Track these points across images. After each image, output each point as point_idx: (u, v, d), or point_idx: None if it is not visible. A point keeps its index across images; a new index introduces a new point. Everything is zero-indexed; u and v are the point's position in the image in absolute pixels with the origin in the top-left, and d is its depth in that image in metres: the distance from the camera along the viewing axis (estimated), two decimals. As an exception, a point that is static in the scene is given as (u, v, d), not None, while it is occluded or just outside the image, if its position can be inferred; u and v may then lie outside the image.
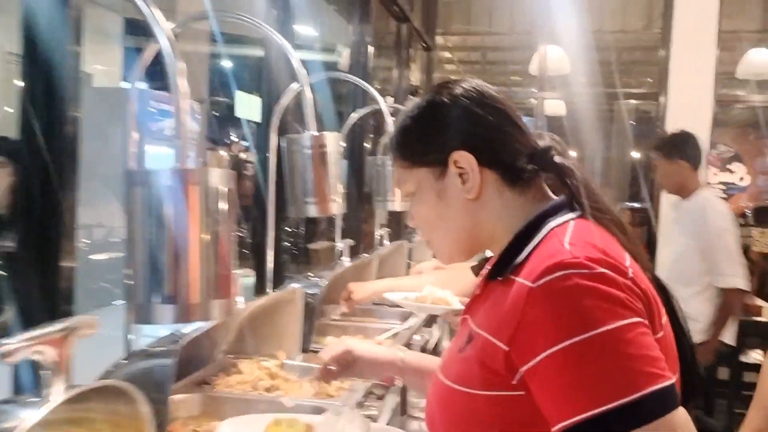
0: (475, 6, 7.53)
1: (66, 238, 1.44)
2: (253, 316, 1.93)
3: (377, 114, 3.02)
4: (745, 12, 6.99)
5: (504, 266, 0.98)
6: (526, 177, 1.03)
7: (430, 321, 2.68)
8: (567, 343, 0.82)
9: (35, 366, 0.88)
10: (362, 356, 1.30)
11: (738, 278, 3.24)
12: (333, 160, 1.49)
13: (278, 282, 2.34)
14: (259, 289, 2.22)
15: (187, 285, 0.80)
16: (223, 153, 7.63)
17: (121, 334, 1.41)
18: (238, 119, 7.32)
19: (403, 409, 2.12)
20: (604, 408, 0.79)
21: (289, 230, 5.34)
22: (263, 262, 2.24)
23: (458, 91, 1.04)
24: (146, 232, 0.79)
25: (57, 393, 0.86)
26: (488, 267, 1.09)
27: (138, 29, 6.13)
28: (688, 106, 6.13)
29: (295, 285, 2.01)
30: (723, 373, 5.42)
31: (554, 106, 6.92)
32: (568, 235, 0.93)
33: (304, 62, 1.52)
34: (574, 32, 5.96)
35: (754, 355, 5.51)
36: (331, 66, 5.46)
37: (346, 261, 2.62)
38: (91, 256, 3.87)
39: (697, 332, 3.26)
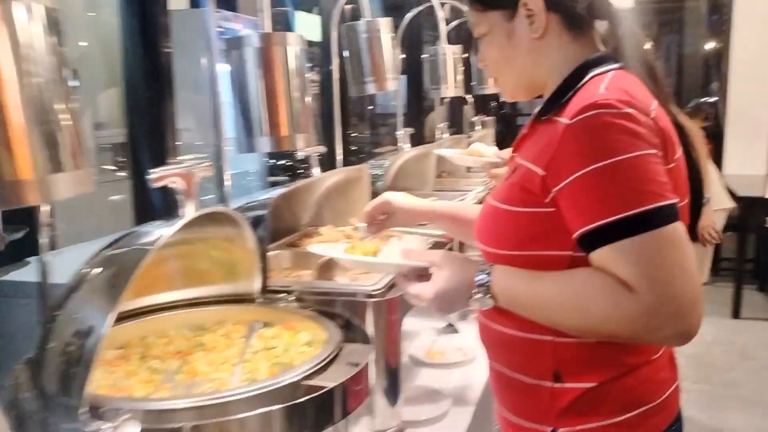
0: None
1: (170, 137, 1.77)
2: (327, 194, 2.23)
3: (433, 21, 3.18)
4: None
5: (549, 107, 1.15)
6: (583, 23, 1.18)
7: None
8: (591, 167, 1.01)
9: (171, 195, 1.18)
10: (400, 206, 1.54)
11: None
12: (387, 42, 1.72)
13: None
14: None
15: (278, 121, 1.07)
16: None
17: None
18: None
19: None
20: (615, 217, 1.00)
21: (355, 135, 5.63)
22: (333, 160, 2.53)
23: None
24: (245, 82, 1.06)
25: (189, 212, 1.16)
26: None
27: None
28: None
29: (362, 165, 2.28)
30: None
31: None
32: (605, 82, 1.09)
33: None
34: None
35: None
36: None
37: (407, 147, 2.87)
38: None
39: None
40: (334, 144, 2.50)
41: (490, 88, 3.60)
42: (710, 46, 8.01)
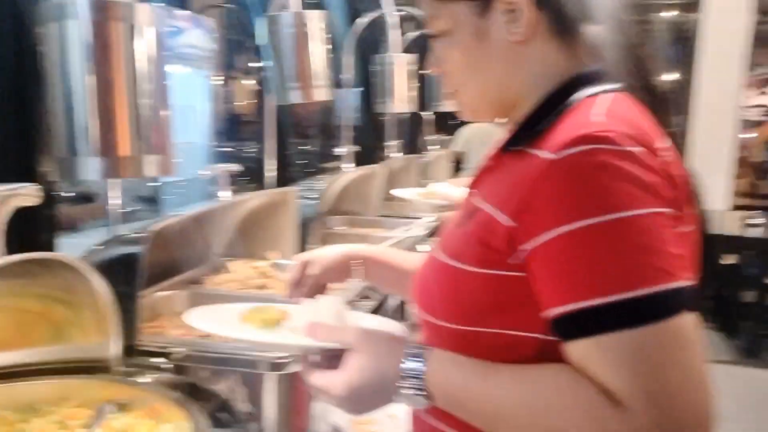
0: None
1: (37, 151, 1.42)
2: (247, 219, 1.87)
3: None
4: None
5: (523, 135, 0.87)
6: (574, 27, 0.89)
7: (439, 230, 2.60)
8: (579, 224, 0.73)
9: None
10: (315, 257, 1.20)
11: None
12: (318, 40, 1.37)
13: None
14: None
15: (115, 135, 0.71)
16: (245, 82, 7.49)
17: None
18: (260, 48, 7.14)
19: (403, 315, 2.08)
20: (604, 299, 0.72)
21: (306, 149, 5.28)
22: (262, 172, 2.19)
23: None
24: (66, 74, 0.70)
25: (-11, 259, 0.79)
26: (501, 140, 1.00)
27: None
28: (726, 22, 5.80)
29: (290, 187, 1.93)
30: (748, 296, 5.36)
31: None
32: (600, 107, 0.82)
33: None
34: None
35: (781, 279, 5.41)
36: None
37: (349, 168, 2.53)
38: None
39: None
40: (265, 162, 2.14)
41: (446, 106, 3.29)
42: (668, 78, 7.97)
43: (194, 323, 0.94)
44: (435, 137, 4.58)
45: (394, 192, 2.23)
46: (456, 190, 1.85)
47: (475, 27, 0.90)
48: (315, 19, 1.37)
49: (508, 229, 0.80)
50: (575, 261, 0.74)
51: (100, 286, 0.97)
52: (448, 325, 0.88)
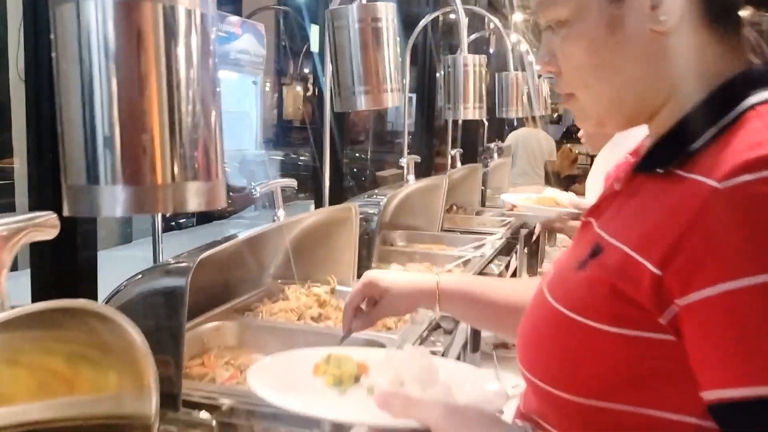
0: None
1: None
2: (305, 237, 1.69)
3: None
4: None
5: (668, 154, 0.68)
6: (733, 15, 0.71)
7: (509, 249, 2.38)
8: (757, 279, 0.55)
9: None
10: (390, 287, 1.02)
11: None
12: (389, 37, 1.18)
13: (337, 203, 2.11)
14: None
15: (147, 156, 0.53)
16: (299, 89, 7.45)
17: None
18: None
19: (474, 345, 1.87)
20: None
21: (357, 156, 5.13)
22: (321, 184, 2.01)
23: None
24: (83, 73, 0.52)
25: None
26: (629, 155, 0.82)
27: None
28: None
29: (350, 203, 1.74)
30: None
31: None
32: None
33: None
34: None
35: None
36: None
37: (411, 180, 2.34)
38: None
39: None
40: (323, 174, 1.96)
41: (514, 111, 3.06)
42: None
43: (256, 387, 0.77)
44: (493, 145, 4.35)
45: (504, 197, 2.06)
46: (589, 198, 1.65)
47: (607, 14, 0.70)
48: (386, 12, 1.18)
49: (656, 278, 0.60)
50: (750, 329, 0.55)
51: (136, 335, 0.80)
52: (568, 396, 0.69)
